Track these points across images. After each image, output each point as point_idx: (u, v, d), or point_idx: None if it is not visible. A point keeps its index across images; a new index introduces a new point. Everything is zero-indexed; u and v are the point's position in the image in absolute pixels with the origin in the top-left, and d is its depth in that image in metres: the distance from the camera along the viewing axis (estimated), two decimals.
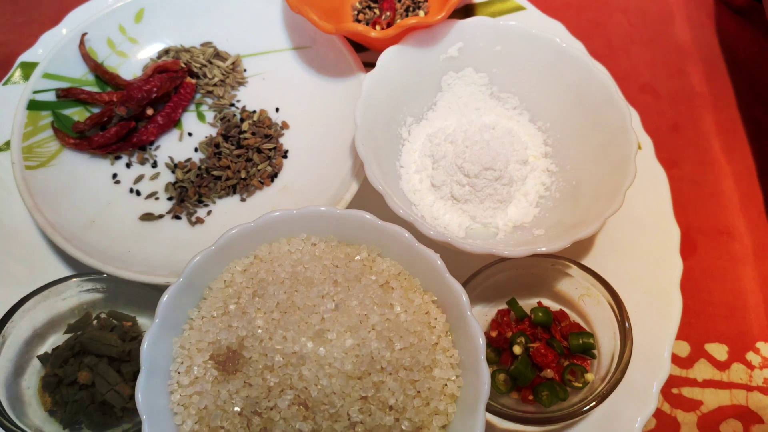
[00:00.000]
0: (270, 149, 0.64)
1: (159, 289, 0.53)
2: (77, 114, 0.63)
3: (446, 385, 0.48)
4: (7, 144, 0.60)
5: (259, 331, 0.47)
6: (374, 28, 0.67)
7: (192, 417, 0.46)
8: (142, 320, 0.56)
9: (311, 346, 0.45)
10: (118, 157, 0.63)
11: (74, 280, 0.53)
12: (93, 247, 0.55)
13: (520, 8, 0.73)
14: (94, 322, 0.54)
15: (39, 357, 0.53)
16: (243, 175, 0.63)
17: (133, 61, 0.67)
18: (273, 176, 0.64)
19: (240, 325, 0.47)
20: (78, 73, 0.64)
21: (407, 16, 0.70)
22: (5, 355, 0.51)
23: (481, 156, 0.61)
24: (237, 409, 0.45)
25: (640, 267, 0.60)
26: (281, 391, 0.45)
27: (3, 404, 0.48)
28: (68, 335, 0.54)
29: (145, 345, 0.46)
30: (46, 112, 0.61)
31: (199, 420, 0.46)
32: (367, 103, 0.58)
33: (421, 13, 0.70)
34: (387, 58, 0.60)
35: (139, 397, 0.45)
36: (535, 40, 0.63)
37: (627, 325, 0.53)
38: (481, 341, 0.48)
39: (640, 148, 0.59)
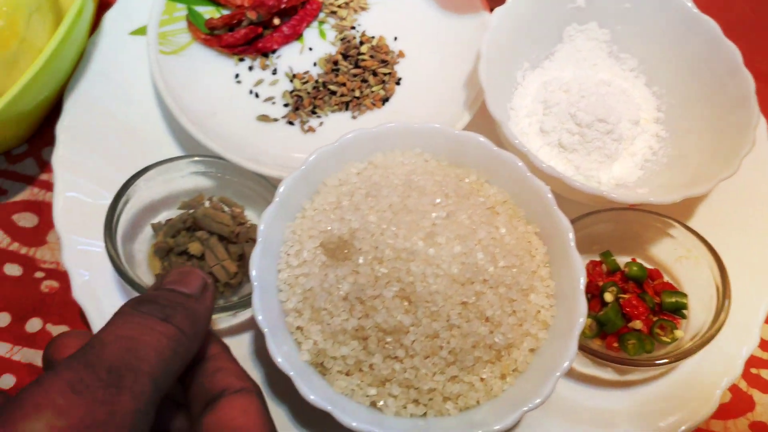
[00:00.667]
0: (385, 74, 0.66)
1: (266, 185, 0.56)
2: (208, 13, 0.66)
3: (539, 311, 0.49)
4: (141, 30, 0.63)
5: (372, 225, 0.48)
6: None
7: (297, 296, 0.48)
8: (248, 213, 0.58)
9: (422, 245, 0.47)
10: (241, 59, 0.66)
11: (194, 158, 0.56)
12: (214, 134, 0.58)
13: None
14: (206, 203, 0.57)
15: (153, 225, 0.56)
16: (357, 94, 0.65)
17: None
18: (384, 100, 0.65)
19: (353, 219, 0.49)
20: None
21: None
22: (125, 217, 0.53)
23: (596, 107, 0.61)
24: (342, 293, 0.47)
25: (745, 240, 0.60)
26: (387, 283, 0.46)
27: (121, 258, 0.51)
28: (181, 211, 0.57)
29: (262, 224, 0.49)
30: (181, 5, 0.64)
31: (303, 299, 0.48)
32: (493, 38, 0.59)
33: None
34: None
35: (253, 271, 0.47)
36: (666, 3, 0.62)
37: (728, 290, 0.53)
38: (582, 276, 0.49)
39: None
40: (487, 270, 0.48)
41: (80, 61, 0.61)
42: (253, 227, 0.56)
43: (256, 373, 0.54)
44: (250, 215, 0.58)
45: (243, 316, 0.56)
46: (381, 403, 0.46)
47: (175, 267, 0.54)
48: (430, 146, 0.54)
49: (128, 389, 0.33)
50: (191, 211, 0.56)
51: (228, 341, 0.54)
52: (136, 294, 0.51)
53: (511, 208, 0.53)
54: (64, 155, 0.58)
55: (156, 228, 0.56)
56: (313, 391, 0.45)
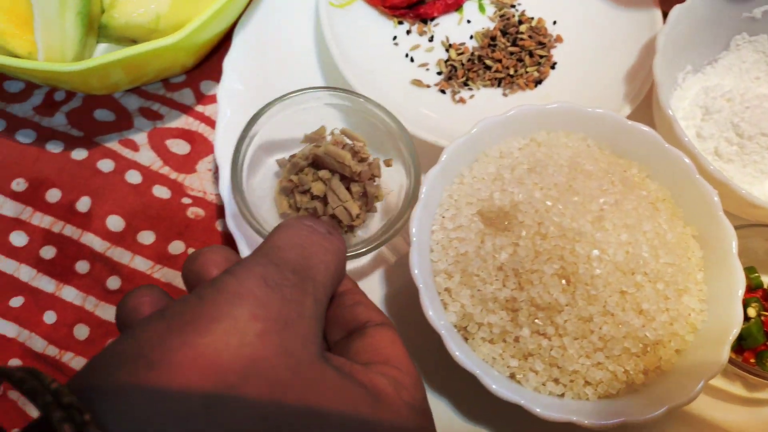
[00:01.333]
0: (541, 56, 0.65)
1: (395, 120, 0.55)
2: None
3: (690, 314, 0.48)
4: None
5: (537, 200, 0.48)
6: None
7: (449, 258, 0.49)
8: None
9: (589, 227, 0.47)
10: (401, 23, 0.66)
11: (319, 90, 0.55)
12: (369, 91, 0.58)
13: None
14: (328, 136, 0.57)
15: (278, 161, 0.57)
16: (511, 72, 0.64)
17: None
18: (537, 82, 0.65)
19: (516, 191, 0.49)
20: None
21: None
22: (249, 158, 0.54)
23: (761, 120, 0.59)
24: (497, 263, 0.47)
25: None
26: (548, 259, 0.46)
27: (247, 201, 0.52)
28: (304, 145, 0.57)
29: (424, 187, 0.49)
30: None
31: (455, 263, 0.49)
32: (669, 32, 0.57)
33: None
34: None
35: (414, 227, 0.48)
36: None
37: None
38: (742, 284, 0.48)
39: None
40: (650, 263, 0.47)
41: (250, 2, 0.62)
42: (375, 164, 0.56)
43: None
44: (372, 147, 0.57)
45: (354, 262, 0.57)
46: (520, 376, 0.47)
47: (301, 206, 0.55)
48: (595, 132, 0.54)
49: (311, 294, 0.34)
50: (314, 145, 0.56)
51: None
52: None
53: (670, 207, 0.52)
54: (228, 89, 0.59)
55: (281, 164, 0.57)
56: (461, 351, 0.45)
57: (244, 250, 0.54)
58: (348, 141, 0.56)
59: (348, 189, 0.55)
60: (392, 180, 0.56)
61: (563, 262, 0.46)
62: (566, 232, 0.46)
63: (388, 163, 0.58)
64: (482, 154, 0.53)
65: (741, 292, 0.47)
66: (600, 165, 0.51)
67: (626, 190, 0.50)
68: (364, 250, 0.52)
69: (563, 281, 0.46)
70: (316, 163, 0.55)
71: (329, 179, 0.54)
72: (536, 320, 0.46)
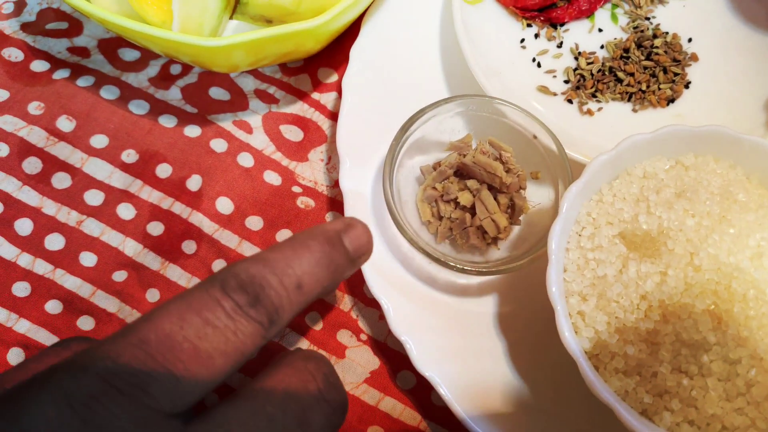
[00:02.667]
0: (675, 74, 0.62)
1: (542, 126, 0.53)
2: None
3: None
4: None
5: (689, 229, 0.45)
6: None
7: (585, 279, 0.46)
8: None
9: (748, 264, 0.43)
10: (529, 25, 0.63)
11: (464, 98, 0.54)
12: (499, 93, 0.56)
13: None
14: (474, 145, 0.55)
15: (422, 168, 0.55)
16: (643, 87, 0.61)
17: None
18: (670, 100, 0.61)
19: (665, 216, 0.46)
20: None
21: None
22: (397, 160, 0.52)
23: None
24: (642, 291, 0.44)
25: None
26: (701, 293, 0.43)
27: (396, 200, 0.51)
28: (448, 153, 0.55)
29: (566, 201, 0.47)
30: None
31: (591, 285, 0.46)
32: None
33: None
34: None
35: (553, 244, 0.45)
36: None
37: None
38: None
39: None
40: None
41: None
42: (523, 176, 0.54)
43: (499, 344, 0.52)
44: (518, 158, 0.56)
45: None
46: (653, 413, 0.44)
47: (444, 215, 0.53)
48: (745, 161, 0.50)
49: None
50: (459, 153, 0.54)
51: (471, 303, 0.54)
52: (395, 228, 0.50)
53: None
54: (354, 79, 0.57)
55: (425, 171, 0.55)
56: (598, 380, 0.42)
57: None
58: (494, 151, 0.54)
59: (495, 200, 0.53)
60: (541, 193, 0.55)
61: (717, 298, 0.43)
62: (722, 267, 0.43)
63: (535, 176, 0.55)
64: (624, 172, 0.50)
65: None
66: (752, 197, 0.48)
67: None
68: (508, 267, 0.50)
69: (714, 319, 0.43)
70: (461, 172, 0.53)
71: (478, 189, 0.52)
72: (679, 356, 0.43)
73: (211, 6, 0.50)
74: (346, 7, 0.50)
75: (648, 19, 0.65)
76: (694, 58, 0.63)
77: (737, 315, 0.42)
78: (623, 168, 0.50)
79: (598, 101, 0.61)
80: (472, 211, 0.52)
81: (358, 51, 0.58)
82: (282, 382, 0.35)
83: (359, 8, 0.55)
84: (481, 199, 0.52)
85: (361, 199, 0.54)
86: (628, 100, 0.61)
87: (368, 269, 0.51)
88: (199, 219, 0.56)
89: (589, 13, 0.64)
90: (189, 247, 0.55)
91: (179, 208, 0.56)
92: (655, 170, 0.50)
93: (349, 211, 0.53)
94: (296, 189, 0.58)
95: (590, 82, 0.61)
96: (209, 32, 0.51)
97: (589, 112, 0.60)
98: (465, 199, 0.52)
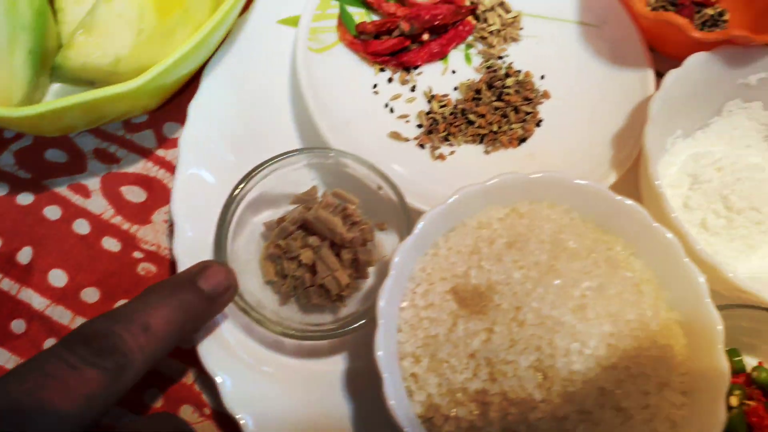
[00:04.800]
0: (527, 113, 0.62)
1: (382, 176, 0.52)
2: (359, 15, 0.63)
3: (671, 410, 0.45)
4: (291, 20, 0.61)
5: (515, 282, 0.45)
6: None
7: (417, 340, 0.45)
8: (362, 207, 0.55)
9: (570, 317, 0.43)
10: (382, 70, 0.63)
11: (308, 151, 0.53)
12: (346, 144, 0.55)
13: None
14: (319, 197, 0.54)
15: (266, 224, 0.54)
16: (495, 128, 0.61)
17: None
18: (522, 140, 0.61)
19: (494, 269, 0.46)
20: None
21: (702, 29, 0.66)
22: (234, 220, 0.51)
23: (751, 194, 0.57)
24: (470, 349, 0.43)
25: None
26: (525, 349, 0.43)
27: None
28: (293, 206, 0.54)
29: (397, 256, 0.46)
30: (335, 2, 0.62)
31: (423, 345, 0.45)
32: (663, 100, 0.54)
33: (718, 30, 0.66)
34: (694, 62, 0.56)
35: (382, 302, 0.44)
36: None
37: None
38: (727, 379, 0.44)
39: None
40: (631, 356, 0.44)
41: (224, 41, 0.58)
42: (368, 229, 0.53)
43: (347, 406, 0.51)
44: (364, 208, 0.55)
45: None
46: None
47: (288, 273, 0.51)
48: (580, 205, 0.50)
49: None
50: (304, 207, 0.53)
51: (321, 363, 0.52)
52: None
53: (654, 289, 0.48)
54: (192, 136, 0.55)
55: (269, 227, 0.53)
56: None
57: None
58: (339, 202, 0.53)
59: (338, 255, 0.51)
60: (387, 244, 0.54)
61: (540, 353, 0.42)
62: (545, 321, 0.43)
63: (381, 227, 0.54)
64: (460, 224, 0.49)
65: (725, 388, 0.44)
66: (584, 242, 0.48)
67: (611, 272, 0.47)
68: (348, 329, 0.49)
69: (539, 375, 0.42)
70: (306, 227, 0.52)
71: (318, 246, 0.51)
72: (508, 416, 0.42)
73: (20, 73, 0.48)
74: (166, 68, 0.48)
75: (501, 58, 0.65)
76: (546, 95, 0.64)
77: (561, 370, 0.42)
78: (459, 219, 0.49)
79: (451, 144, 0.61)
80: (314, 269, 0.51)
81: (196, 107, 0.56)
82: None
83: (191, 64, 0.53)
84: (322, 257, 0.50)
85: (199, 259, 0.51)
86: (481, 142, 0.61)
87: (203, 340, 0.49)
88: (28, 295, 0.52)
89: (441, 56, 0.64)
90: (18, 326, 0.52)
91: (7, 285, 0.53)
92: (490, 220, 0.49)
93: None
94: (137, 254, 0.55)
95: (443, 126, 0.61)
96: (21, 100, 0.48)
97: (441, 157, 0.60)
98: (306, 257, 0.51)
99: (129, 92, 0.48)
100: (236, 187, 0.50)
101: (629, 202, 0.49)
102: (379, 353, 0.43)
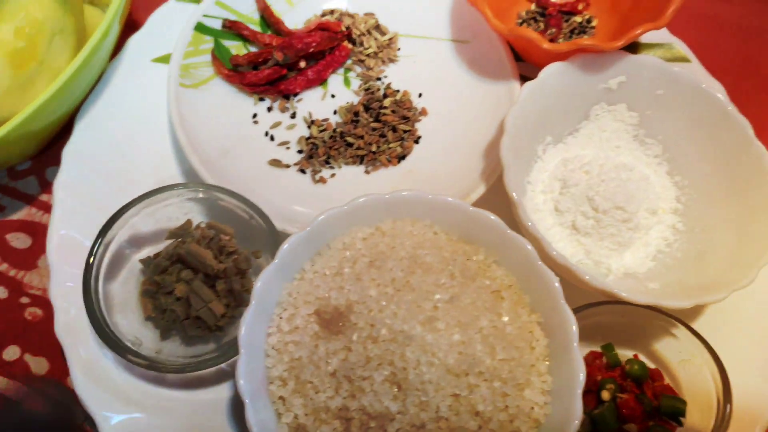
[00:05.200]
0: (405, 131, 0.64)
1: (256, 210, 0.54)
2: (235, 48, 0.65)
3: (533, 408, 0.47)
4: (166, 58, 0.62)
5: (371, 300, 0.47)
6: None
7: (284, 364, 0.47)
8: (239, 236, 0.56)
9: (420, 330, 0.45)
10: (261, 99, 0.65)
11: (181, 187, 0.54)
12: (221, 176, 0.57)
13: (684, 59, 0.71)
14: (195, 231, 0.55)
15: (141, 261, 0.55)
16: (374, 148, 0.63)
17: (298, 12, 0.68)
18: (401, 158, 0.64)
19: (353, 290, 0.47)
20: (246, 9, 0.66)
21: (570, 38, 0.69)
22: (106, 260, 0.52)
23: (615, 193, 0.59)
24: (330, 369, 0.45)
25: (752, 347, 0.58)
26: (379, 365, 0.45)
27: (102, 309, 0.50)
28: (169, 241, 0.55)
29: (259, 283, 0.47)
30: (209, 38, 0.63)
31: (289, 369, 0.46)
32: (519, 112, 0.57)
33: (586, 38, 0.69)
34: (550, 72, 0.59)
35: (242, 331, 0.46)
36: (701, 94, 0.61)
37: (729, 407, 0.51)
38: (582, 376, 0.46)
39: None
40: (484, 362, 0.46)
41: (98, 83, 0.60)
42: (242, 257, 0.54)
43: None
44: (241, 238, 0.56)
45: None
46: None
47: (166, 307, 0.53)
48: (442, 219, 0.53)
49: None
50: (179, 240, 0.54)
51: (207, 392, 0.53)
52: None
53: (516, 294, 0.51)
54: (66, 181, 0.56)
55: (145, 263, 0.55)
56: None
57: (74, 360, 0.51)
58: (213, 234, 0.55)
59: (213, 286, 0.53)
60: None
61: (393, 367, 0.44)
62: (397, 336, 0.45)
63: (256, 255, 0.56)
64: (325, 247, 0.51)
65: (580, 385, 0.46)
66: (443, 254, 0.50)
67: (466, 282, 0.49)
68: (215, 363, 0.50)
69: (394, 388, 0.44)
70: (181, 260, 0.53)
71: (192, 280, 0.52)
72: (368, 430, 0.44)
73: None
74: (26, 118, 0.49)
75: (380, 79, 0.68)
76: (423, 112, 0.66)
77: (413, 381, 0.44)
78: (324, 242, 0.51)
79: (332, 167, 0.63)
80: (189, 301, 0.52)
81: (70, 152, 0.57)
82: None
83: (58, 110, 0.54)
84: (195, 290, 0.52)
85: (75, 309, 0.53)
86: (361, 163, 0.63)
87: (81, 380, 0.50)
88: None
89: (319, 81, 0.66)
90: None
91: None
92: (354, 241, 0.51)
93: (59, 326, 0.51)
94: (24, 300, 0.56)
95: (323, 150, 0.63)
96: None
97: (322, 180, 0.62)
98: (180, 290, 0.52)
99: None
100: (102, 230, 0.51)
101: (484, 213, 0.51)
102: (241, 381, 0.44)
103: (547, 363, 0.49)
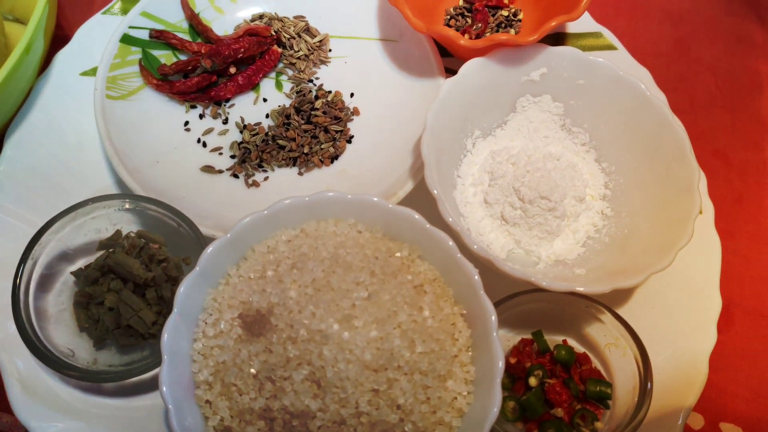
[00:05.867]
0: (337, 131, 0.65)
1: (184, 219, 0.55)
2: (164, 57, 0.66)
3: (456, 398, 0.49)
4: (94, 70, 0.63)
5: (291, 302, 0.48)
6: (463, 36, 0.67)
7: (209, 368, 0.48)
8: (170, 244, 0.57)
9: (337, 328, 0.46)
10: (193, 107, 0.65)
11: (106, 200, 0.55)
12: (151, 185, 0.57)
13: (611, 47, 0.73)
14: (124, 241, 0.56)
15: (73, 273, 0.56)
16: (306, 150, 0.64)
17: (227, 19, 0.69)
18: (334, 158, 0.65)
19: (274, 292, 0.49)
20: (174, 18, 0.66)
21: (497, 31, 0.71)
22: (37, 275, 0.53)
23: (539, 184, 0.61)
24: (253, 371, 0.46)
25: (673, 329, 0.60)
26: (298, 365, 0.46)
27: (33, 323, 0.51)
28: (100, 252, 0.56)
29: (181, 290, 0.48)
30: (136, 49, 0.64)
31: (214, 372, 0.48)
32: (441, 107, 0.58)
33: (512, 31, 0.70)
34: (470, 68, 0.60)
35: (165, 337, 0.47)
36: (619, 82, 0.62)
37: (649, 385, 0.53)
38: (500, 364, 0.48)
39: (701, 212, 0.58)
40: (403, 356, 0.47)
41: (26, 100, 0.60)
42: (173, 264, 0.55)
43: None
44: (171, 245, 0.57)
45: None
46: None
47: (100, 317, 0.54)
48: (365, 218, 0.54)
49: None
50: (110, 251, 0.55)
51: (145, 399, 0.55)
52: None
53: (440, 287, 0.52)
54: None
55: (76, 275, 0.56)
56: None
57: (11, 383, 0.52)
58: (143, 242, 0.55)
59: (143, 295, 0.54)
60: None
61: (312, 366, 0.46)
62: (314, 335, 0.46)
63: (186, 261, 0.57)
64: (250, 251, 0.52)
65: (499, 372, 0.48)
66: (365, 252, 0.51)
67: (387, 279, 0.50)
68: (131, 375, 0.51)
69: (314, 386, 0.46)
70: (112, 270, 0.54)
71: (121, 289, 0.53)
72: (292, 428, 0.45)
73: None
74: None
75: (312, 81, 0.68)
76: (356, 112, 0.67)
77: (332, 379, 0.45)
78: (248, 246, 0.52)
79: (265, 170, 0.64)
80: (119, 311, 0.53)
81: (2, 169, 0.58)
82: None
83: None
84: (124, 299, 0.53)
85: (10, 323, 0.53)
86: (294, 165, 0.64)
87: (18, 394, 0.51)
88: None
89: (250, 86, 0.67)
90: None
91: None
92: (277, 244, 0.52)
93: None
94: None
95: (255, 154, 0.64)
96: None
97: (255, 184, 0.63)
98: (110, 300, 0.53)
99: None
100: (27, 247, 0.52)
101: (406, 210, 0.52)
102: (164, 388, 0.45)
103: (470, 353, 0.51)
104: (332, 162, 0.65)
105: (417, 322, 0.49)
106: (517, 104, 0.65)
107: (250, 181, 0.63)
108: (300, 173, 0.64)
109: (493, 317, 0.49)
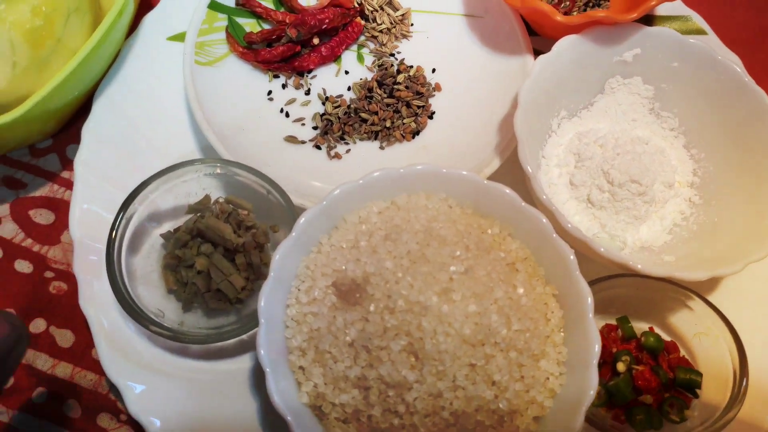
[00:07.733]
0: (419, 106, 0.64)
1: (274, 186, 0.54)
2: (249, 26, 0.65)
3: (548, 378, 0.48)
4: (181, 36, 0.63)
5: (388, 272, 0.47)
6: None
7: (303, 334, 0.47)
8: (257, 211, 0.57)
9: (436, 300, 0.46)
10: (276, 76, 0.65)
11: (199, 163, 0.54)
12: (238, 152, 0.57)
13: (701, 32, 0.70)
14: (213, 205, 0.56)
15: (162, 235, 0.56)
16: (388, 124, 0.63)
17: None
18: (415, 133, 0.64)
19: (369, 261, 0.48)
20: None
21: (585, 10, 0.69)
22: (130, 234, 0.53)
23: (630, 167, 0.59)
24: (348, 339, 0.46)
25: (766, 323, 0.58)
26: (396, 335, 0.45)
27: (125, 282, 0.51)
28: (189, 216, 0.56)
29: (277, 256, 0.48)
30: (222, 15, 0.64)
31: (308, 339, 0.47)
32: (533, 85, 0.57)
33: (600, 10, 0.69)
34: (564, 45, 0.59)
35: (262, 302, 0.46)
36: (716, 66, 0.60)
37: (745, 381, 0.51)
38: (597, 347, 0.47)
39: None
40: (500, 332, 0.46)
41: (114, 62, 0.60)
42: (261, 231, 0.55)
43: (254, 402, 0.53)
44: (258, 212, 0.57)
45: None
46: None
47: (188, 280, 0.54)
48: (456, 193, 0.53)
49: None
50: (198, 215, 0.55)
51: (228, 363, 0.55)
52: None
53: (531, 266, 0.51)
54: (87, 158, 0.57)
55: (166, 238, 0.56)
56: None
57: (99, 333, 0.52)
58: (232, 209, 0.55)
59: (233, 260, 0.54)
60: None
61: (410, 337, 0.45)
62: (413, 306, 0.46)
63: (274, 229, 0.57)
64: (341, 221, 0.52)
65: (596, 355, 0.47)
66: (457, 227, 0.51)
67: (481, 254, 0.49)
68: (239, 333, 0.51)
69: (412, 357, 0.45)
70: (200, 235, 0.54)
71: (211, 253, 0.53)
72: (387, 398, 0.45)
73: None
74: (44, 96, 0.50)
75: (393, 55, 0.68)
76: (437, 88, 0.66)
77: (430, 351, 0.45)
78: (340, 216, 0.52)
79: (347, 143, 0.63)
80: (210, 275, 0.53)
81: (89, 130, 0.58)
82: None
83: (76, 89, 0.55)
84: (215, 263, 0.53)
85: (98, 282, 0.54)
86: (375, 138, 0.64)
87: (105, 351, 0.51)
88: None
89: (333, 58, 0.66)
90: None
91: None
92: (369, 215, 0.52)
93: (83, 299, 0.53)
94: (49, 274, 0.57)
95: (337, 126, 0.63)
96: None
97: (337, 156, 0.62)
98: (201, 264, 0.53)
99: (10, 123, 0.50)
100: (123, 205, 0.52)
101: (499, 186, 0.51)
102: (262, 351, 0.45)
103: (562, 334, 0.50)
104: (413, 137, 0.64)
105: (512, 300, 0.48)
106: (606, 85, 0.64)
107: (332, 152, 0.62)
108: (381, 147, 0.63)
109: (590, 299, 0.48)
